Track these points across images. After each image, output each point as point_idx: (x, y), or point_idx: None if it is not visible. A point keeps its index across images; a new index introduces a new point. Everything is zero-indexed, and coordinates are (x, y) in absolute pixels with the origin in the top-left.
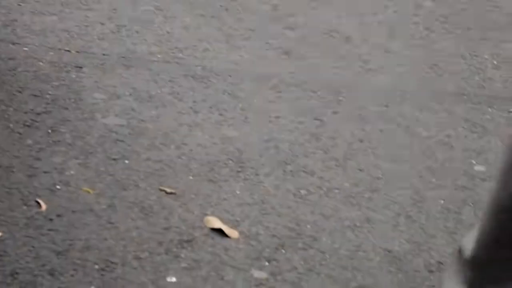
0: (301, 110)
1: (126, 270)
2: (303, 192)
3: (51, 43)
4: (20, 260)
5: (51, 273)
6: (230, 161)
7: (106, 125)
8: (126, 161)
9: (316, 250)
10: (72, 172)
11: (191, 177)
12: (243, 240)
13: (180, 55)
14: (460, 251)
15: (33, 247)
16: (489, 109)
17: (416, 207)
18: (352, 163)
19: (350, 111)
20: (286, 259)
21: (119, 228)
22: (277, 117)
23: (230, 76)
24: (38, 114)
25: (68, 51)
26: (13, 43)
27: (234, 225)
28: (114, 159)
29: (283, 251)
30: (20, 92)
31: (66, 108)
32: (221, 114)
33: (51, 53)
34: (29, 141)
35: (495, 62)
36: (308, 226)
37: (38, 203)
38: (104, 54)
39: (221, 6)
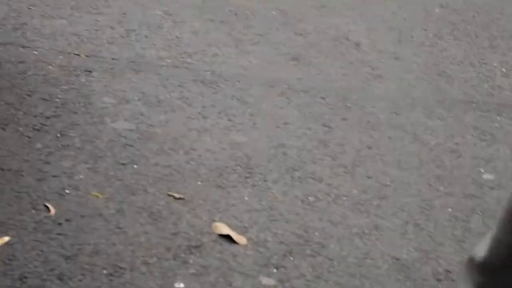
0: (310, 116)
1: (134, 275)
2: (311, 198)
3: (61, 47)
4: (29, 265)
5: (60, 277)
6: (239, 167)
7: (115, 129)
8: (135, 166)
9: (324, 257)
10: (81, 176)
11: (199, 183)
12: (251, 246)
13: (189, 60)
14: (471, 259)
15: (41, 251)
16: (498, 117)
17: (424, 215)
18: (360, 170)
19: (359, 118)
20: (294, 266)
21: (127, 233)
22: (286, 123)
23: (239, 81)
24: (48, 118)
25: (78, 55)
26: (23, 47)
27: (242, 231)
28: (123, 164)
29: (291, 258)
30: (29, 95)
31: (76, 112)
32: (229, 120)
33: (61, 56)
34: (39, 145)
35: (504, 70)
36: (316, 233)
37: (47, 207)
38: (113, 59)
39: (230, 11)
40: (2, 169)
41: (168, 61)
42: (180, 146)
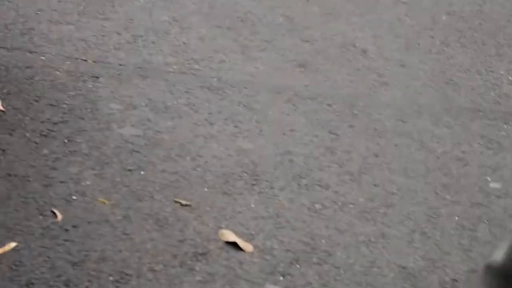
0: (316, 123)
1: (140, 282)
2: (317, 206)
3: (68, 52)
4: (36, 271)
5: (67, 284)
6: (245, 174)
7: (122, 135)
8: (142, 172)
9: (331, 265)
10: (88, 182)
11: (206, 189)
12: (258, 254)
13: (196, 66)
14: (488, 265)
15: (48, 257)
16: (505, 126)
17: (430, 223)
18: (367, 178)
19: (365, 125)
20: (301, 274)
21: (134, 239)
22: (292, 130)
23: (245, 88)
24: (55, 123)
25: (85, 60)
26: (30, 52)
27: (249, 238)
28: (130, 170)
29: (298, 265)
30: (37, 101)
31: (83, 118)
32: (236, 126)
33: (68, 62)
34: (45, 151)
35: (510, 78)
36: (323, 241)
37: (54, 213)
38: (120, 64)
39: (237, 17)
40: (9, 175)
41: (175, 67)
42: (186, 152)
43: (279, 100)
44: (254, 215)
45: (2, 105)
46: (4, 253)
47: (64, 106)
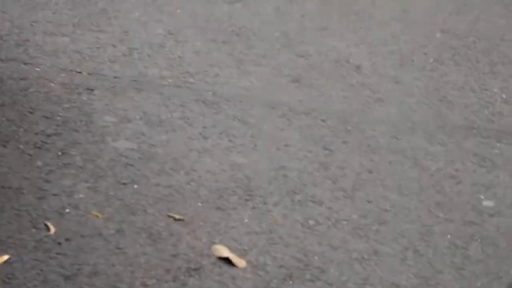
0: (310, 139)
1: None
2: (311, 222)
3: (63, 64)
4: (28, 284)
5: None
6: (239, 189)
7: (116, 148)
8: (136, 186)
9: (324, 282)
10: (81, 195)
11: (199, 204)
12: (251, 269)
13: (191, 79)
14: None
15: (41, 270)
16: (498, 144)
17: (423, 241)
18: (360, 194)
19: (359, 141)
20: None
21: (127, 253)
22: (286, 145)
23: (240, 102)
24: (49, 135)
25: (80, 72)
26: (25, 63)
27: (242, 254)
28: (124, 184)
29: (291, 282)
30: (31, 113)
31: (77, 131)
32: (230, 141)
33: (63, 74)
34: (39, 163)
35: (504, 96)
36: (316, 257)
37: (47, 226)
38: (115, 77)
39: (232, 31)
40: (3, 187)
41: (170, 80)
42: (180, 166)
43: (274, 114)
44: (248, 231)
45: None
46: None
47: (58, 118)
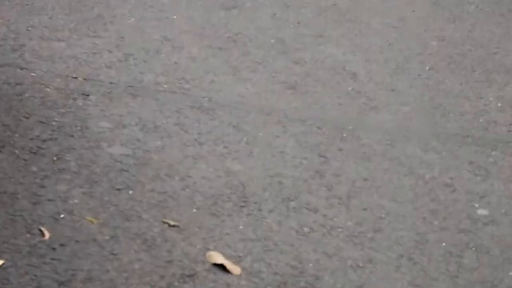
0: (306, 146)
1: None
2: (306, 229)
3: (58, 70)
4: None
5: None
6: (234, 195)
7: (111, 154)
8: (130, 192)
9: None
10: (76, 201)
11: (194, 210)
12: (245, 276)
13: (187, 86)
14: None
15: (35, 275)
16: (493, 152)
17: (418, 249)
18: (355, 202)
19: (354, 149)
20: None
21: (121, 259)
22: (282, 152)
23: (236, 108)
24: (44, 141)
25: (75, 78)
26: (21, 68)
27: (237, 260)
28: (118, 189)
29: None
30: (26, 118)
31: (72, 136)
32: (226, 147)
33: (59, 79)
34: (34, 168)
35: (499, 105)
36: (311, 265)
37: (42, 231)
38: (111, 83)
39: (228, 38)
40: None
41: (166, 86)
42: (175, 172)
43: (269, 121)
44: (242, 237)
45: None
46: None
47: (54, 123)
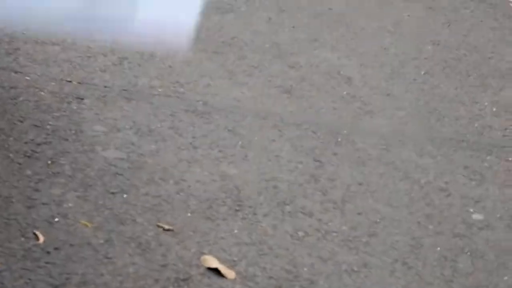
0: (301, 150)
1: None
2: (301, 234)
3: (53, 73)
4: None
5: None
6: (229, 199)
7: (105, 158)
8: (125, 195)
9: None
10: (70, 204)
11: (189, 214)
12: (240, 280)
13: (182, 89)
14: None
15: (29, 279)
16: (488, 157)
17: (413, 254)
18: (350, 206)
19: (350, 153)
20: None
21: (116, 263)
22: (277, 156)
23: (231, 112)
24: (38, 144)
25: (70, 82)
26: (15, 72)
27: (231, 265)
28: (113, 193)
29: None
30: (21, 121)
31: (66, 140)
32: (221, 151)
33: (53, 83)
34: (29, 172)
35: (494, 109)
36: (305, 269)
37: (36, 235)
38: (105, 86)
39: (223, 42)
40: None
41: (160, 90)
42: (170, 176)
43: (265, 125)
44: (237, 241)
45: None
46: None
47: (48, 127)
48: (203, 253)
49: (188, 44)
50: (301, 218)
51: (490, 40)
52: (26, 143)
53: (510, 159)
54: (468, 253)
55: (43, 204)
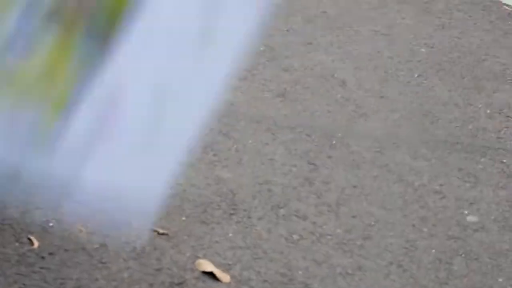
0: (295, 153)
1: None
2: (295, 237)
3: None
4: None
5: None
6: (223, 203)
7: None
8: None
9: None
10: (65, 209)
11: (183, 218)
12: (235, 284)
13: None
14: None
15: (24, 284)
16: (482, 159)
17: (408, 256)
18: (344, 209)
19: (344, 156)
20: None
21: (110, 268)
22: (271, 160)
23: (225, 116)
24: None
25: None
26: None
27: (226, 268)
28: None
29: None
30: None
31: None
32: (215, 155)
33: None
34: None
35: (488, 112)
36: (300, 272)
37: (30, 240)
38: None
39: None
40: None
41: None
42: None
43: (259, 129)
44: (232, 245)
45: None
46: None
47: None
48: (197, 257)
49: None
50: (296, 222)
51: (484, 42)
52: None
53: (504, 161)
54: (463, 255)
55: (38, 209)
